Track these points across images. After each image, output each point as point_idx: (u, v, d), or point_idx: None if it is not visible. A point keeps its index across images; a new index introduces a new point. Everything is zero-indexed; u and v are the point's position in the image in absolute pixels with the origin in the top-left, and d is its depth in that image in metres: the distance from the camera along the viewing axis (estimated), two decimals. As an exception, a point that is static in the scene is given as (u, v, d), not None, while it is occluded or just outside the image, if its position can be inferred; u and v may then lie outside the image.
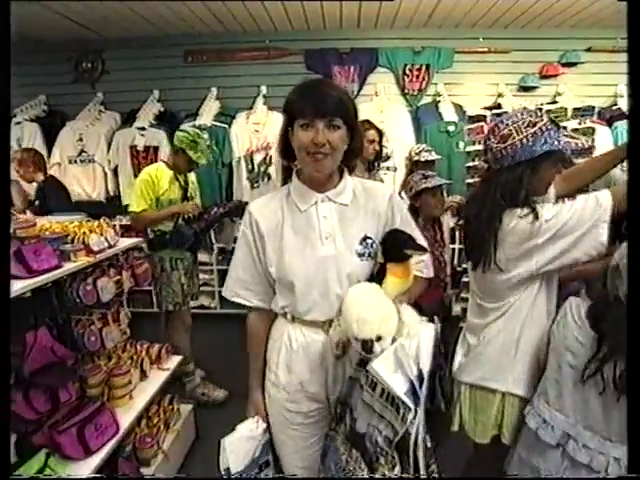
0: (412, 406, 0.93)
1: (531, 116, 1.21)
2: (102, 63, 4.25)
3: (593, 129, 3.42)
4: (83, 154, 3.96)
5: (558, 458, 1.14)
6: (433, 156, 3.18)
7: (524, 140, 1.19)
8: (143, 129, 3.87)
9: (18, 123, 3.99)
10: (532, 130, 1.19)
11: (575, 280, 1.45)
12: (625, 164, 1.35)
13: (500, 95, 3.98)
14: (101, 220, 1.93)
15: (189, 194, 2.71)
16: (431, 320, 1.07)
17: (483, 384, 1.33)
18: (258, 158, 3.76)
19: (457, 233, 3.32)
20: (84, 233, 1.78)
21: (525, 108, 1.32)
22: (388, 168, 3.68)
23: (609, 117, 3.79)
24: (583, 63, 4.01)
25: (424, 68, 4.06)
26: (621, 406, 1.04)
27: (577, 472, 1.10)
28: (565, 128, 3.36)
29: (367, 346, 0.97)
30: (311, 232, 1.16)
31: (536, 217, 1.18)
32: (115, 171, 4.00)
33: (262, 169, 3.74)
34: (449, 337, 1.56)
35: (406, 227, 1.17)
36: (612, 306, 1.06)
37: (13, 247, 1.46)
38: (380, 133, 2.47)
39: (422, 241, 1.16)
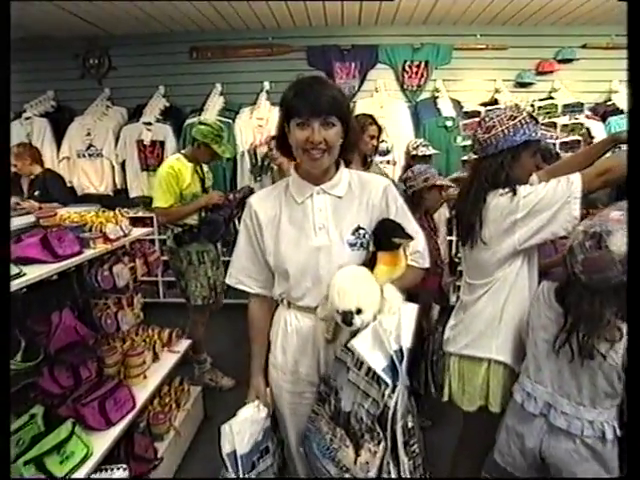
0: (389, 382, 0.96)
1: (512, 111, 1.36)
2: (109, 59, 4.36)
3: (582, 124, 3.52)
4: (91, 148, 4.08)
5: (540, 425, 1.27)
6: (431, 151, 3.29)
7: (505, 131, 1.33)
8: (150, 124, 3.98)
9: (28, 118, 4.11)
10: (512, 122, 1.33)
11: (555, 267, 1.58)
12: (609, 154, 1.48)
13: (497, 91, 4.08)
14: (116, 210, 2.05)
15: (207, 185, 2.71)
16: (429, 307, 1.15)
17: (469, 352, 1.45)
18: (261, 152, 3.86)
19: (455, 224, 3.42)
20: (101, 222, 1.89)
21: (508, 105, 1.45)
22: (388, 162, 3.80)
23: (603, 112, 3.90)
24: (578, 60, 4.11)
25: (423, 64, 4.17)
26: (588, 373, 1.17)
27: (556, 436, 1.22)
28: (555, 124, 3.47)
29: (347, 318, 1.00)
30: (306, 223, 1.21)
31: (514, 194, 1.32)
32: (122, 165, 4.12)
33: (265, 163, 3.84)
34: (446, 325, 1.64)
35: (402, 218, 1.20)
36: (572, 283, 1.18)
37: (39, 234, 1.58)
38: (380, 129, 2.52)
39: (416, 231, 1.21)
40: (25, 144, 3.54)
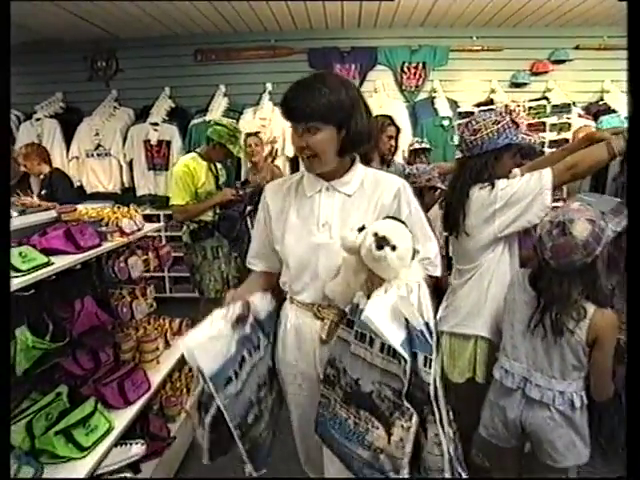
0: (407, 357, 0.93)
1: (497, 116, 1.50)
2: (116, 62, 4.50)
3: (569, 124, 3.65)
4: (100, 148, 4.22)
5: (518, 398, 1.40)
6: (423, 145, 3.42)
7: (490, 134, 1.48)
8: (156, 124, 4.12)
9: (38, 119, 4.24)
10: (496, 127, 1.48)
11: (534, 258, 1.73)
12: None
13: (493, 91, 4.21)
14: (130, 206, 2.18)
15: (220, 182, 2.80)
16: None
17: (458, 331, 1.60)
18: (265, 151, 3.98)
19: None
20: (117, 217, 2.03)
21: (493, 109, 1.60)
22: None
23: (595, 111, 4.02)
24: (571, 60, 4.25)
25: (421, 66, 4.31)
26: (558, 348, 1.31)
27: (531, 407, 1.36)
28: (545, 124, 3.60)
29: (381, 242, 0.98)
30: (311, 218, 1.20)
31: (493, 187, 1.48)
32: (130, 164, 4.25)
33: (269, 161, 3.97)
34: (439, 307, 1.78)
35: (414, 221, 1.18)
36: (543, 268, 1.33)
37: (63, 228, 1.72)
38: (398, 129, 2.56)
39: (428, 237, 1.22)
40: (33, 144, 3.65)
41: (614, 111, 3.92)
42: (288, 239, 1.22)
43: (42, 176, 3.50)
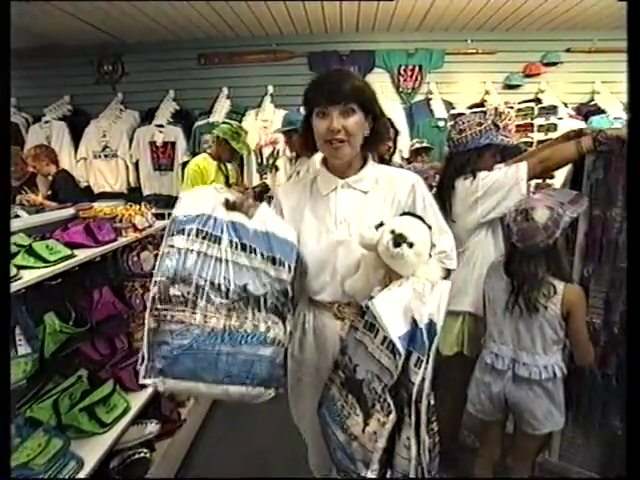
0: (402, 351, 0.94)
1: (480, 118, 1.66)
2: (122, 65, 4.61)
3: (555, 125, 3.79)
4: (107, 149, 4.34)
5: (506, 376, 1.54)
6: (423, 144, 3.58)
7: (473, 134, 1.67)
8: (161, 126, 4.24)
9: (47, 122, 4.37)
10: (479, 128, 1.66)
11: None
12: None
13: (487, 93, 4.33)
14: (142, 204, 2.32)
15: (231, 181, 2.95)
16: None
17: (449, 308, 1.75)
18: (266, 152, 4.12)
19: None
20: (130, 215, 2.17)
21: (477, 112, 1.76)
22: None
23: (586, 112, 4.16)
24: (563, 63, 4.36)
25: (417, 68, 4.43)
26: (537, 325, 1.45)
27: (519, 383, 1.50)
28: (532, 125, 3.74)
29: (398, 239, 0.98)
30: (328, 216, 1.20)
31: (475, 177, 1.68)
32: (136, 165, 4.37)
33: (270, 161, 4.11)
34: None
35: (429, 215, 1.18)
36: (513, 253, 1.49)
37: (82, 224, 1.86)
38: (397, 132, 2.70)
39: (444, 231, 1.25)
40: (42, 146, 3.76)
41: (604, 112, 4.05)
42: (305, 238, 1.21)
43: (50, 177, 3.64)
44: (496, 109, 1.85)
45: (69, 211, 2.08)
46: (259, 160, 4.16)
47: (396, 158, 4.02)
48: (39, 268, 1.47)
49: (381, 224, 1.07)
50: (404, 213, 1.11)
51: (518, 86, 4.38)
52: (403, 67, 4.45)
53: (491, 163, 1.72)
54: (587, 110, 4.16)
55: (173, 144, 4.27)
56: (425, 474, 0.99)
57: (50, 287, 1.61)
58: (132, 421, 1.79)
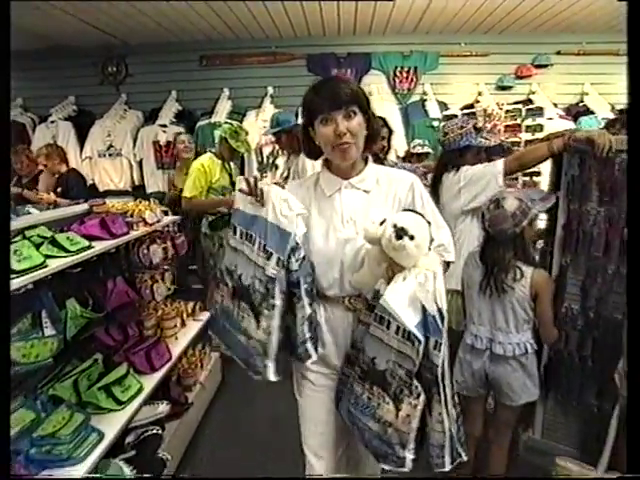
0: (421, 338, 1.00)
1: (462, 122, 1.87)
2: (126, 67, 4.75)
3: (542, 125, 3.94)
4: (111, 149, 4.46)
5: (485, 355, 1.68)
6: (424, 150, 3.73)
7: (454, 137, 1.92)
8: (165, 126, 4.38)
9: (53, 122, 4.49)
10: (460, 131, 1.89)
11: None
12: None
13: (480, 94, 4.47)
14: (151, 200, 2.46)
15: (234, 180, 3.05)
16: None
17: None
18: (266, 151, 4.26)
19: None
20: (140, 210, 2.30)
21: (460, 117, 2.00)
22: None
23: (575, 113, 4.30)
24: (553, 65, 4.52)
25: (412, 70, 4.58)
26: (510, 306, 1.61)
27: (496, 360, 1.65)
28: (520, 125, 3.89)
29: (400, 232, 1.03)
30: (334, 216, 1.25)
31: (458, 170, 1.92)
32: (140, 163, 4.50)
33: (270, 160, 4.24)
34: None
35: (427, 211, 1.24)
36: (485, 240, 1.66)
37: (98, 218, 1.99)
38: (390, 131, 2.83)
39: (441, 225, 1.29)
40: (53, 145, 3.90)
41: (592, 112, 4.20)
42: (314, 238, 1.26)
43: (56, 175, 3.76)
44: (485, 110, 2.04)
45: (83, 207, 2.21)
46: (259, 159, 4.29)
47: (392, 157, 4.19)
48: (61, 257, 1.60)
49: (384, 221, 1.12)
50: (404, 209, 1.18)
51: (510, 87, 4.53)
52: (399, 69, 4.59)
53: (472, 162, 1.92)
54: (576, 111, 4.31)
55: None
56: (455, 442, 1.11)
57: (71, 275, 1.74)
58: (145, 401, 1.93)
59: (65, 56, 4.65)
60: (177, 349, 2.36)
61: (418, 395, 1.05)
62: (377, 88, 4.56)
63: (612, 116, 3.95)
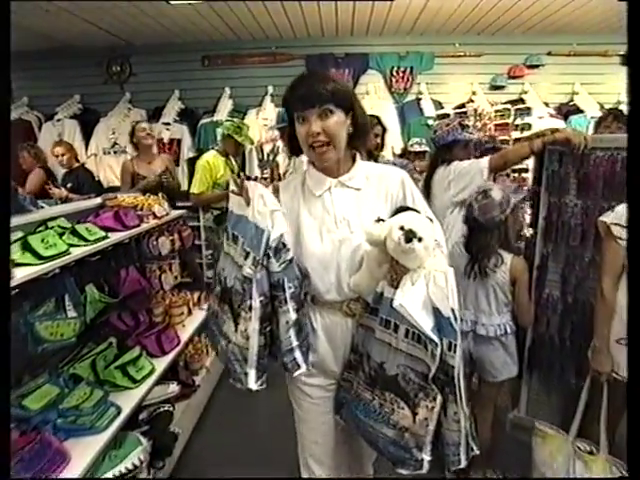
0: (437, 341, 0.98)
1: (450, 121, 2.04)
2: (130, 66, 4.88)
3: (530, 124, 4.09)
4: (116, 146, 4.60)
5: (467, 335, 1.82)
6: (421, 148, 3.86)
7: (442, 133, 2.12)
8: (168, 124, 4.52)
9: (59, 120, 4.62)
10: (447, 128, 2.09)
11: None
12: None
13: (474, 93, 4.61)
14: (159, 195, 2.59)
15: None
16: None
17: None
18: (267, 148, 4.39)
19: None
20: (149, 204, 2.44)
21: (452, 116, 2.17)
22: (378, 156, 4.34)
23: (566, 112, 4.45)
24: (544, 65, 4.67)
25: (408, 70, 4.73)
26: (492, 290, 1.75)
27: (480, 341, 1.79)
28: (508, 124, 4.04)
29: (409, 235, 1.01)
30: (326, 216, 1.19)
31: (448, 164, 2.10)
32: (144, 160, 4.63)
33: (270, 157, 4.38)
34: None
35: (418, 206, 1.21)
36: (471, 228, 1.78)
37: (111, 211, 2.13)
38: (384, 129, 2.95)
39: (431, 219, 1.22)
40: (67, 143, 4.05)
41: (582, 111, 4.35)
42: (307, 240, 1.20)
43: (64, 170, 3.89)
44: (475, 110, 2.19)
45: (96, 201, 2.35)
46: (260, 156, 4.42)
47: (389, 155, 4.33)
48: (81, 246, 1.74)
49: (379, 219, 1.11)
50: (403, 208, 1.15)
51: (503, 87, 4.67)
52: (395, 69, 4.73)
53: (461, 155, 2.08)
54: (567, 110, 4.46)
55: (179, 141, 4.55)
56: (469, 438, 1.10)
57: (89, 263, 1.88)
58: (156, 382, 2.07)
59: (70, 56, 4.78)
60: (184, 335, 2.50)
61: (435, 397, 1.04)
62: (374, 87, 4.69)
63: (600, 115, 4.11)
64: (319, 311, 1.25)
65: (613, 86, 4.49)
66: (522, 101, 4.48)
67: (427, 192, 2.24)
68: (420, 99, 4.63)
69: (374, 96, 4.66)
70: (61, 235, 1.71)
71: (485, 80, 4.71)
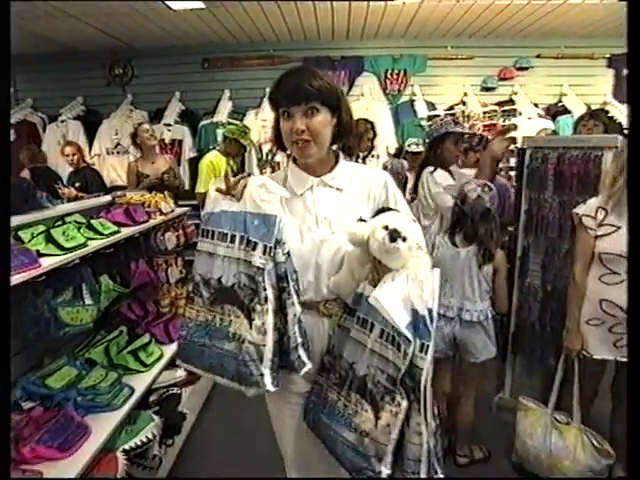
0: (411, 338, 0.94)
1: (443, 116, 2.15)
2: (132, 69, 5.01)
3: (515, 125, 4.22)
4: (118, 146, 4.75)
5: (452, 321, 1.97)
6: (419, 149, 4.01)
7: (436, 127, 2.26)
8: (169, 125, 4.66)
9: (63, 121, 4.75)
10: (440, 122, 2.21)
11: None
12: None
13: (465, 95, 4.77)
14: (165, 193, 2.73)
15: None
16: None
17: None
18: (266, 149, 4.55)
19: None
20: (156, 201, 2.58)
21: (447, 114, 2.33)
22: (372, 155, 4.48)
23: (554, 112, 4.62)
24: (534, 67, 4.83)
25: (402, 72, 4.89)
26: (476, 279, 1.89)
27: (464, 325, 1.94)
28: (495, 125, 4.19)
29: (394, 234, 0.99)
30: (308, 215, 1.17)
31: (433, 172, 2.22)
32: (146, 160, 4.76)
33: (269, 157, 4.53)
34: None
35: (400, 208, 1.20)
36: (459, 219, 1.91)
37: (121, 207, 2.27)
38: (374, 132, 3.10)
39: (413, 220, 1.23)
40: (75, 143, 4.19)
41: (570, 112, 4.51)
42: (287, 239, 1.12)
43: (72, 169, 4.03)
44: (463, 112, 2.35)
45: (107, 198, 2.49)
46: (259, 156, 4.57)
47: (383, 155, 4.49)
48: (97, 240, 1.88)
49: (361, 219, 1.10)
50: (385, 209, 1.15)
51: (493, 88, 4.84)
52: (389, 71, 4.89)
53: (453, 150, 2.22)
54: (555, 110, 4.63)
55: (180, 142, 4.69)
56: (433, 457, 1.01)
57: (104, 255, 2.02)
58: (165, 367, 2.21)
59: (74, 59, 4.91)
60: (189, 326, 2.64)
61: (399, 402, 0.99)
62: (369, 89, 4.85)
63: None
64: None
65: (600, 87, 4.66)
66: (512, 102, 4.63)
67: (415, 191, 2.39)
68: (414, 100, 4.79)
69: (369, 97, 4.81)
70: (78, 229, 1.85)
71: (476, 82, 4.86)
